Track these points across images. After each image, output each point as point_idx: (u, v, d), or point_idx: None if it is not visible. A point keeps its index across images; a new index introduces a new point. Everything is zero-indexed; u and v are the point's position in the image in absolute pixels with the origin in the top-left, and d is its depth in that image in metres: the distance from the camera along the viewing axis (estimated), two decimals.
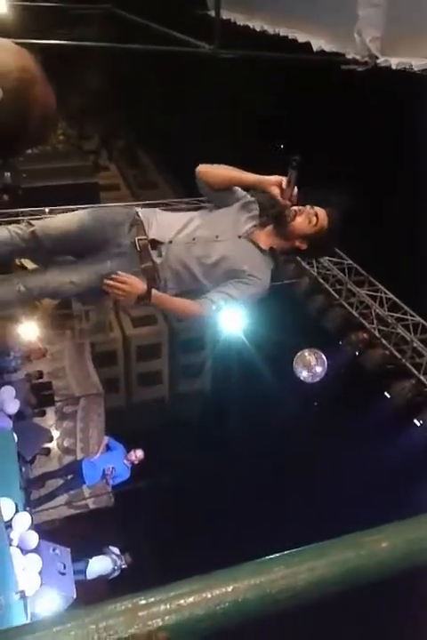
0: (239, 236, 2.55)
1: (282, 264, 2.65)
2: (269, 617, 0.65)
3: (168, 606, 0.62)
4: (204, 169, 2.55)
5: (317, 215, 2.50)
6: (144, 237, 2.49)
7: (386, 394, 7.86)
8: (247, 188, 2.61)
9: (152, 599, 0.63)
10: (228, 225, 2.56)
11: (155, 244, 2.50)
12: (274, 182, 2.44)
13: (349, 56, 4.25)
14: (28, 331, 10.76)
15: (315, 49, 4.60)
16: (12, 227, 2.54)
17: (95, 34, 7.50)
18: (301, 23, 4.79)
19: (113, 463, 8.09)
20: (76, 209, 2.85)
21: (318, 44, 4.62)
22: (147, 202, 10.49)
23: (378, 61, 4.14)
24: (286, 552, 0.70)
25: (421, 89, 4.07)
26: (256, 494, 12.42)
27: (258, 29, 5.24)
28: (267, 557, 0.69)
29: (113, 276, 2.37)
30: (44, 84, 1.15)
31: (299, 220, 2.50)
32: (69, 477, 8.67)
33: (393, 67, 4.03)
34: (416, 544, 0.74)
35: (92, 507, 10.83)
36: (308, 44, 4.65)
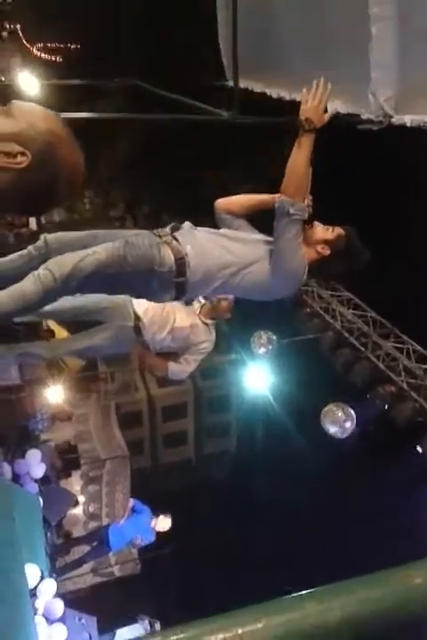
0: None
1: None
2: None
3: None
4: (223, 200, 2.72)
5: (332, 227, 2.67)
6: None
7: (418, 448, 7.63)
8: (267, 208, 2.69)
9: (183, 635, 0.62)
10: (243, 234, 2.71)
11: (175, 227, 2.62)
12: None
13: (364, 116, 4.39)
14: (55, 393, 10.85)
15: (330, 111, 4.76)
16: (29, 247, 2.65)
17: (120, 106, 7.88)
18: None
19: (139, 527, 7.93)
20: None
21: (333, 106, 4.78)
22: None
23: (392, 120, 4.26)
24: (317, 588, 0.69)
25: None
26: (286, 556, 11.99)
27: (274, 96, 5.45)
28: (299, 593, 0.68)
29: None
30: (71, 145, 1.20)
31: (317, 228, 2.65)
32: (95, 544, 8.52)
33: (408, 124, 4.15)
34: None
35: (118, 574, 10.59)
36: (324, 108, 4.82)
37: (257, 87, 5.70)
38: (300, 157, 2.42)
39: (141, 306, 3.49)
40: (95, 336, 3.36)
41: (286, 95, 5.44)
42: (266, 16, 5.36)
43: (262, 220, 2.78)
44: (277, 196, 2.57)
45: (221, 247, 2.56)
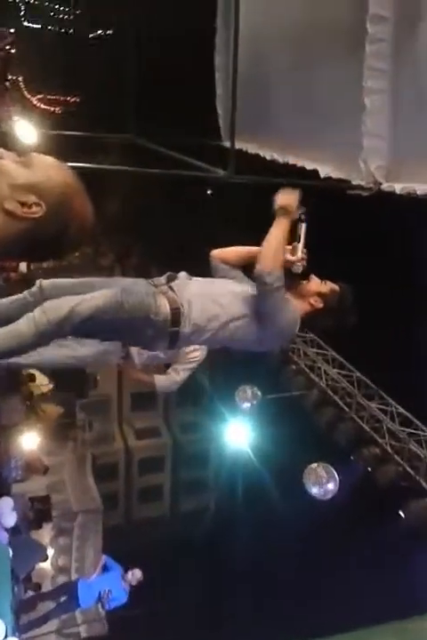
0: None
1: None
2: None
3: None
4: (219, 250, 2.78)
5: (326, 282, 2.73)
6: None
7: (401, 513, 7.56)
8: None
9: None
10: (235, 284, 2.74)
11: (171, 277, 2.66)
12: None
13: (354, 182, 4.55)
14: (31, 440, 10.61)
15: (322, 175, 4.93)
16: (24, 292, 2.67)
17: (116, 161, 8.05)
18: (308, 153, 5.15)
19: (110, 585, 7.63)
20: None
21: (325, 171, 4.95)
22: None
23: (382, 187, 4.42)
24: (331, 637, 0.66)
25: (425, 212, 4.30)
26: (261, 620, 11.59)
27: (268, 158, 5.64)
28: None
29: None
30: (83, 198, 1.23)
31: (313, 281, 2.72)
32: (64, 599, 8.15)
33: (397, 191, 4.30)
34: None
35: (84, 635, 10.10)
36: (315, 171, 4.99)
37: (251, 148, 5.90)
38: (276, 232, 2.52)
39: None
40: (82, 348, 3.29)
41: (280, 158, 5.64)
42: (262, 81, 5.59)
43: None
44: None
45: (213, 301, 2.58)
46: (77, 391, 17.58)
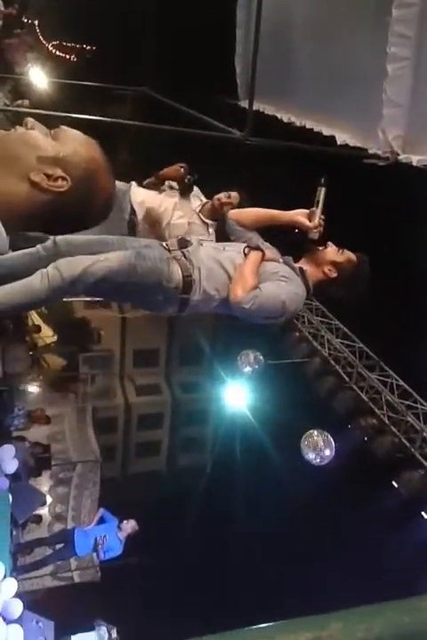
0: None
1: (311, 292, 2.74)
2: None
3: None
4: (235, 211, 2.78)
5: (344, 251, 2.71)
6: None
7: (394, 483, 7.69)
8: (278, 225, 2.75)
9: None
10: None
11: (184, 241, 2.64)
12: (299, 212, 2.65)
13: (371, 151, 4.48)
14: (34, 390, 10.77)
15: (339, 142, 4.86)
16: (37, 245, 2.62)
17: (129, 114, 7.93)
18: (326, 118, 5.06)
19: (106, 533, 7.83)
20: None
21: (343, 138, 4.87)
22: None
23: (399, 158, 4.35)
24: (343, 610, 0.70)
25: None
26: (254, 577, 11.89)
27: (285, 120, 5.54)
28: (326, 614, 0.69)
29: None
30: (108, 175, 1.23)
31: (329, 249, 2.69)
32: (61, 546, 8.37)
33: (414, 163, 4.24)
34: None
35: (77, 580, 10.38)
36: (332, 138, 4.91)
37: (269, 110, 5.79)
38: (246, 263, 2.53)
39: (138, 196, 3.52)
40: None
41: (297, 121, 5.54)
42: (283, 42, 5.47)
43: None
44: (289, 213, 2.67)
45: (222, 268, 2.58)
46: (81, 345, 17.74)
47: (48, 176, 1.11)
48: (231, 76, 5.94)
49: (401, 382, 8.66)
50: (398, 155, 4.33)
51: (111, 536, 7.77)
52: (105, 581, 10.10)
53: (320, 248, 2.70)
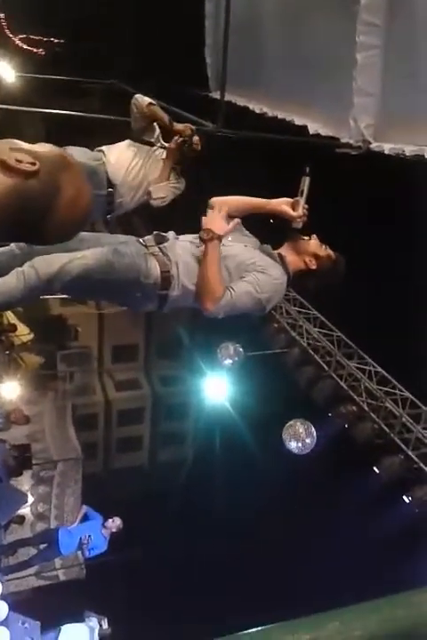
0: (246, 245, 2.69)
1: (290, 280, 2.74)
2: None
3: None
4: (218, 199, 2.68)
5: (326, 246, 2.72)
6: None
7: (375, 468, 7.81)
8: (260, 213, 2.73)
9: None
10: (237, 236, 2.70)
11: (160, 236, 2.61)
12: (283, 201, 2.62)
13: (343, 140, 4.49)
14: (12, 389, 10.61)
15: (311, 132, 4.86)
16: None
17: (100, 107, 7.81)
18: (298, 108, 5.07)
19: (90, 532, 7.79)
20: None
21: (315, 127, 4.88)
22: None
23: (371, 146, 4.37)
24: (339, 609, 0.70)
25: (413, 173, 4.28)
26: (237, 569, 11.97)
27: (257, 111, 5.53)
28: (321, 613, 0.69)
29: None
30: (80, 174, 1.20)
31: (313, 241, 2.69)
32: (45, 546, 8.30)
33: (386, 151, 4.26)
34: None
35: (62, 578, 10.33)
36: (305, 128, 4.91)
37: (240, 101, 5.77)
38: (206, 265, 2.46)
39: (111, 157, 3.59)
40: None
41: (269, 112, 5.53)
42: (253, 33, 5.44)
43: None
44: (273, 202, 2.65)
45: (198, 262, 2.54)
46: (58, 342, 17.57)
47: (17, 161, 1.10)
48: (202, 67, 5.90)
49: (379, 369, 8.77)
50: (370, 143, 4.35)
51: (96, 534, 7.74)
52: (90, 578, 10.07)
53: (305, 238, 2.68)
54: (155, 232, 2.68)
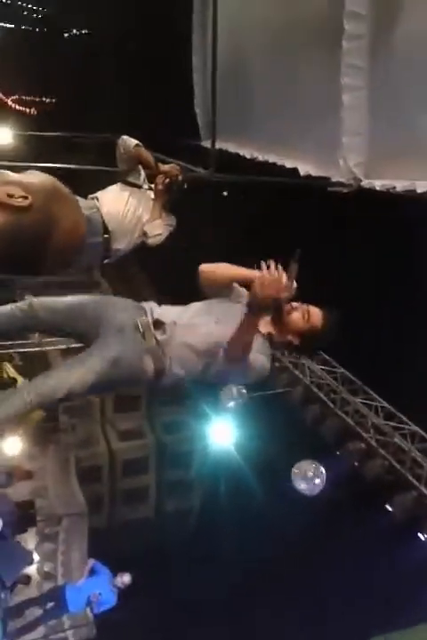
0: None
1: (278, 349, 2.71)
2: None
3: None
4: (207, 268, 2.68)
5: (309, 312, 2.60)
6: (146, 318, 2.57)
7: (388, 506, 7.64)
8: (247, 283, 2.67)
9: None
10: (227, 310, 2.63)
11: (158, 324, 2.57)
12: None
13: (334, 179, 4.56)
14: (14, 445, 10.47)
15: (302, 173, 4.94)
16: (13, 304, 2.64)
17: (94, 161, 7.94)
18: (288, 151, 5.17)
19: (99, 588, 7.59)
20: None
21: (305, 169, 4.97)
22: None
23: (362, 184, 4.44)
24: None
25: (405, 208, 4.33)
26: (252, 617, 11.59)
27: (248, 157, 5.64)
28: None
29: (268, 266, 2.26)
30: (72, 206, 1.21)
31: (295, 315, 2.60)
32: (51, 605, 8.07)
33: (377, 188, 4.32)
34: None
35: (72, 639, 10.01)
36: (295, 170, 5.00)
37: (231, 147, 5.89)
38: (243, 334, 2.37)
39: (104, 207, 3.58)
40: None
41: (259, 156, 5.64)
42: (241, 80, 5.59)
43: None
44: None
45: (193, 351, 2.54)
46: None
47: (9, 195, 1.10)
48: (193, 119, 6.03)
49: (385, 404, 8.68)
50: (361, 181, 4.41)
51: (104, 590, 7.55)
52: (101, 637, 9.77)
53: (287, 311, 2.58)
54: (155, 316, 2.60)
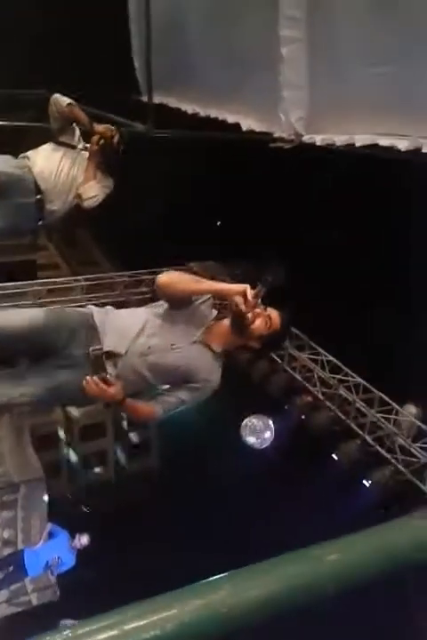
0: (193, 342, 2.53)
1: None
2: (223, 636, 0.63)
3: (112, 633, 0.59)
4: (166, 281, 2.49)
5: (270, 317, 2.52)
6: (99, 348, 2.40)
7: (334, 456, 7.91)
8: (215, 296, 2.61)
9: (95, 626, 0.60)
10: (182, 332, 2.53)
11: (110, 355, 2.42)
12: (238, 291, 2.41)
13: (276, 134, 4.53)
14: None
15: (244, 128, 4.89)
16: None
17: (31, 117, 7.61)
18: (229, 105, 5.09)
19: (57, 551, 7.64)
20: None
21: (247, 123, 4.91)
22: (92, 276, 10.60)
23: (303, 139, 4.42)
24: (233, 571, 0.69)
25: (343, 163, 4.37)
26: (209, 572, 11.92)
27: (190, 112, 5.53)
28: (213, 577, 0.68)
29: (100, 377, 2.27)
30: None
31: (258, 322, 2.48)
32: (10, 570, 8.10)
33: (318, 143, 4.32)
34: (367, 556, 0.74)
35: (35, 602, 10.07)
36: (237, 125, 4.94)
37: (171, 102, 5.77)
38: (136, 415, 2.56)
39: (35, 166, 3.52)
40: None
41: (201, 111, 5.54)
42: (179, 34, 5.43)
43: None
44: (228, 289, 2.49)
45: (142, 379, 2.48)
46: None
47: None
48: (132, 72, 5.86)
49: (331, 357, 8.88)
50: (302, 136, 4.39)
51: (62, 552, 7.61)
52: (64, 599, 9.86)
53: (248, 322, 2.46)
54: (106, 347, 2.45)
